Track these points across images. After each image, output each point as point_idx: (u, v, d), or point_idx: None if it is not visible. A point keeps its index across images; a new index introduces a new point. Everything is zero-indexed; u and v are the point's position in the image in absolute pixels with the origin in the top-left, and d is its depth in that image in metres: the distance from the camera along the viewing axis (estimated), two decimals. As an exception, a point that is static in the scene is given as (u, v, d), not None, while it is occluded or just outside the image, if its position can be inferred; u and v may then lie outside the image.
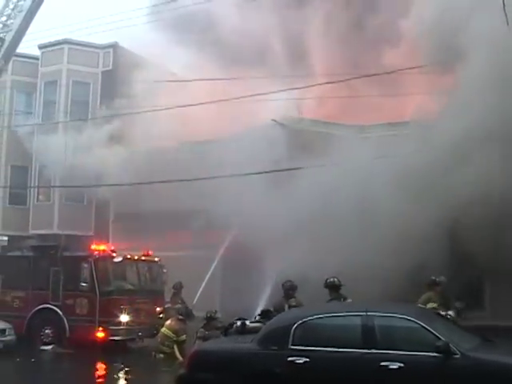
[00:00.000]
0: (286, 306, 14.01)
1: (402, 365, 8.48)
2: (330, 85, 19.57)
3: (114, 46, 29.84)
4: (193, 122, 22.93)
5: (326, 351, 9.00)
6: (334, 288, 14.33)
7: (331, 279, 14.38)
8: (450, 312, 13.61)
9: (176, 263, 20.44)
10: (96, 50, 30.34)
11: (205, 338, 15.02)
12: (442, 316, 11.32)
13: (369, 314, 9.10)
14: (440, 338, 8.56)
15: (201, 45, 24.86)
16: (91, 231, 27.85)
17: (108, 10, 26.11)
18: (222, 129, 22.31)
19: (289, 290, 14.73)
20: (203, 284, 19.51)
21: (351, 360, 8.83)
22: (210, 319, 16.38)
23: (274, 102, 20.73)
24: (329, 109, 23.32)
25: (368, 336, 8.90)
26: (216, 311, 16.74)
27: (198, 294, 19.65)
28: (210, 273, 19.17)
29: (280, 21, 24.39)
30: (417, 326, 8.81)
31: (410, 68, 17.48)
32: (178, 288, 19.62)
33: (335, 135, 20.38)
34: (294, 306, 13.75)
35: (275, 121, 21.71)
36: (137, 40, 26.29)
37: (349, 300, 14.15)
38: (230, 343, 10.98)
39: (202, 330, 16.16)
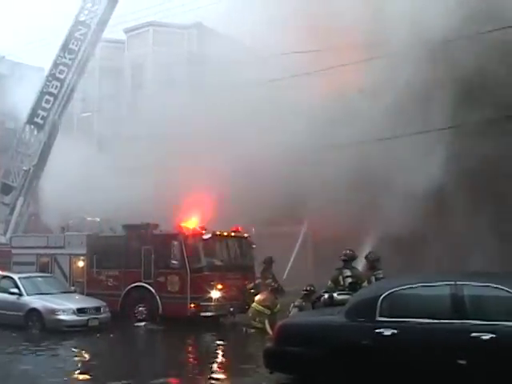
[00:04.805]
0: (373, 278, 14.03)
1: (493, 335, 8.17)
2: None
3: (198, 26, 29.81)
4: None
5: (414, 322, 8.79)
6: (350, 259, 14.60)
7: (348, 251, 14.76)
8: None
9: (266, 239, 20.27)
10: (180, 31, 30.45)
11: (301, 308, 15.14)
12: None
13: (458, 283, 8.80)
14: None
15: (285, 20, 24.31)
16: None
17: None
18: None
19: (374, 261, 14.80)
20: (291, 259, 19.26)
21: (441, 331, 8.58)
22: (309, 292, 16.33)
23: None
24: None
25: (458, 306, 8.62)
26: (312, 285, 16.71)
27: (288, 269, 19.48)
28: (297, 247, 18.82)
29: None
30: (508, 294, 8.42)
31: None
32: (268, 263, 19.62)
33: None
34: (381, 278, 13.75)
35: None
36: (220, 18, 26.04)
37: (358, 268, 14.88)
38: (316, 316, 10.90)
39: (301, 300, 16.18)
